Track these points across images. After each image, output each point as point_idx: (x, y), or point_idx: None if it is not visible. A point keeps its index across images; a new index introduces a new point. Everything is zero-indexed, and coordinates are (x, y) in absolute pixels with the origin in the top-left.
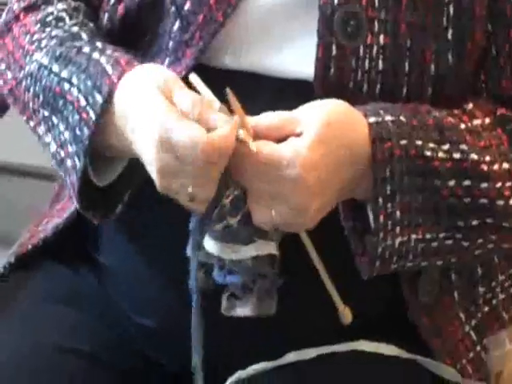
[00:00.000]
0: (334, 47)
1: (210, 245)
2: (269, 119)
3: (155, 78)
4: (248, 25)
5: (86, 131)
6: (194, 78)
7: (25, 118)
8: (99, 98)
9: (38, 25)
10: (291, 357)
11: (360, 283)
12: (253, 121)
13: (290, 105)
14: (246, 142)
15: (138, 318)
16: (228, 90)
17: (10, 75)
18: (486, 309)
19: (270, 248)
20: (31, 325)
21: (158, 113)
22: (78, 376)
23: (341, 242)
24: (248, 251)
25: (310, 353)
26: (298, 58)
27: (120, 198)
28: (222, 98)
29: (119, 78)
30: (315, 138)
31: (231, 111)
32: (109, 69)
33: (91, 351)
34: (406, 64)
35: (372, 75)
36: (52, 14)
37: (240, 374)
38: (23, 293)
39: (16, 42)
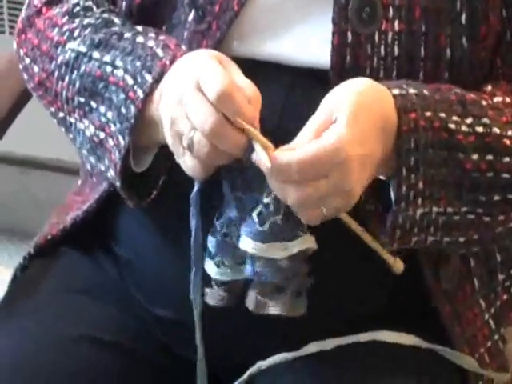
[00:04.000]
0: (349, 34)
1: (251, 246)
2: (308, 130)
3: (213, 52)
4: (262, 13)
5: (133, 109)
6: None
7: (53, 109)
8: (149, 78)
9: (66, 17)
10: (312, 347)
11: (381, 273)
12: (294, 144)
13: (306, 93)
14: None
15: (155, 309)
16: None
17: (36, 68)
18: (505, 297)
19: (312, 241)
20: (54, 315)
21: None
22: (101, 365)
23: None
24: (295, 247)
25: (330, 343)
26: (312, 45)
27: (155, 183)
28: None
29: (171, 62)
30: (351, 112)
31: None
32: (159, 52)
33: (113, 341)
34: (422, 49)
35: (388, 61)
36: (78, 4)
37: (260, 364)
38: (44, 283)
39: (42, 35)
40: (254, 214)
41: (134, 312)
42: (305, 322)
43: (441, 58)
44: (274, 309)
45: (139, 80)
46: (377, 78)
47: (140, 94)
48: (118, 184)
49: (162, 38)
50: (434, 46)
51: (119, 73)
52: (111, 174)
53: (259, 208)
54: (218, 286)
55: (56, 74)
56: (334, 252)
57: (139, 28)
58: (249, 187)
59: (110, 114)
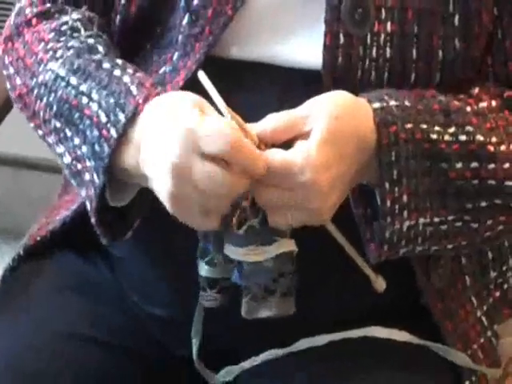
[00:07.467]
0: (341, 36)
1: (232, 251)
2: (274, 122)
3: (191, 97)
4: (256, 16)
5: (107, 149)
6: (201, 75)
7: (32, 125)
8: (122, 117)
9: (53, 33)
10: (303, 343)
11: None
12: (259, 127)
13: (299, 95)
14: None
15: (148, 306)
16: (226, 108)
17: (19, 81)
18: (498, 294)
19: (290, 245)
20: (46, 314)
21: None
22: (95, 363)
23: (353, 231)
24: (272, 251)
25: (321, 339)
26: (306, 47)
27: (130, 223)
28: (230, 90)
29: (145, 101)
30: (323, 137)
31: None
32: (133, 89)
33: (106, 338)
34: (414, 51)
35: (380, 63)
36: (67, 23)
37: (253, 359)
38: (35, 283)
39: (28, 47)
40: (234, 219)
41: (127, 310)
42: (295, 320)
43: (433, 59)
44: (263, 312)
45: (112, 118)
46: (368, 79)
47: (113, 133)
48: (92, 220)
49: (138, 74)
50: (426, 48)
51: (94, 107)
52: (88, 205)
53: (238, 212)
54: (211, 289)
55: (35, 92)
56: (324, 251)
57: (119, 61)
58: None
59: (84, 149)
